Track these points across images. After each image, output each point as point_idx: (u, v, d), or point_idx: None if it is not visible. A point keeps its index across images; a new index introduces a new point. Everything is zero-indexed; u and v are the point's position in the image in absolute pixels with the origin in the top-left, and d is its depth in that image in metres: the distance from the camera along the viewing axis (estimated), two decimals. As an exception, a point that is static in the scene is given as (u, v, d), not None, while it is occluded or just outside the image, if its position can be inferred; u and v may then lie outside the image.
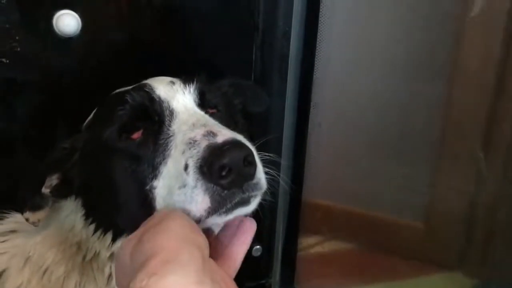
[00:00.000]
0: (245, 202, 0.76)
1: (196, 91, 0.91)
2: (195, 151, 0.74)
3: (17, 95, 1.16)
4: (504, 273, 1.85)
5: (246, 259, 0.77)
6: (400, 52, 1.83)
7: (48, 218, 0.93)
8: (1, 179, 1.16)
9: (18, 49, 1.11)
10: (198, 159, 0.73)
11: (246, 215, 0.80)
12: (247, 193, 0.75)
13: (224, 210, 0.74)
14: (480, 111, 1.78)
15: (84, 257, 0.93)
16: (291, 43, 1.43)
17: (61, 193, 0.91)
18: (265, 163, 0.82)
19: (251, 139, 0.84)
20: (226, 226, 0.80)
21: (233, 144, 0.72)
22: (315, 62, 1.53)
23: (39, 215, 0.88)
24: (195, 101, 0.90)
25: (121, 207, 0.85)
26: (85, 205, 0.91)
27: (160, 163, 0.79)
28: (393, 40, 1.81)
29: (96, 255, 0.92)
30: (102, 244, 0.90)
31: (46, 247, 0.95)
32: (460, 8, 1.71)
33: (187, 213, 0.73)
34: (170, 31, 1.29)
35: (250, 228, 0.78)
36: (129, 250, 0.65)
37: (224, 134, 0.75)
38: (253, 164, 0.74)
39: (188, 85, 0.91)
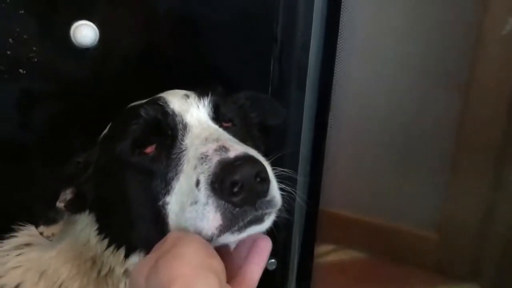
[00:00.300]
0: (258, 220, 0.74)
1: (210, 104, 0.89)
2: (206, 166, 0.72)
3: (33, 105, 1.16)
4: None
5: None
6: (421, 65, 1.81)
7: (63, 232, 0.93)
8: (17, 190, 1.16)
9: (35, 59, 1.12)
10: (209, 175, 0.71)
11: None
12: (260, 211, 0.73)
13: (236, 228, 0.72)
14: (495, 125, 1.79)
15: (99, 273, 0.92)
16: (309, 54, 1.40)
17: (75, 207, 0.90)
18: (280, 178, 0.80)
19: (266, 154, 0.82)
20: (239, 245, 0.77)
21: (245, 160, 0.70)
22: (334, 74, 1.51)
23: (53, 229, 0.87)
24: (209, 115, 0.88)
25: (133, 222, 0.84)
26: (98, 219, 0.90)
27: (173, 179, 0.78)
28: (413, 54, 1.80)
29: (111, 270, 0.91)
30: (116, 260, 0.89)
31: (61, 261, 0.94)
32: (481, 23, 1.71)
33: (199, 230, 0.72)
34: (187, 43, 1.28)
35: (266, 248, 0.75)
36: (144, 274, 0.64)
37: (236, 149, 0.73)
38: (266, 180, 0.72)
39: (203, 98, 0.89)
